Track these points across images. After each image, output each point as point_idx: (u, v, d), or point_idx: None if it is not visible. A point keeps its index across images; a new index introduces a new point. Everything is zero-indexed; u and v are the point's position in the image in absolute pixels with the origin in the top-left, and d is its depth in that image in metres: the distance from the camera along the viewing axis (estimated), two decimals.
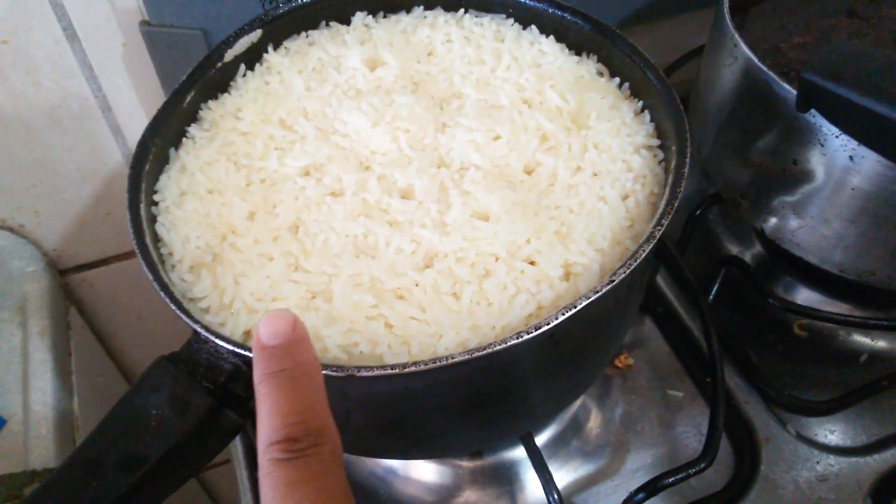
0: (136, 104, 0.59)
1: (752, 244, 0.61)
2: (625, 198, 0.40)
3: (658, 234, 0.36)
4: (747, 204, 0.50)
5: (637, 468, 0.49)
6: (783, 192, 0.47)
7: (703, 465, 0.43)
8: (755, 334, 0.55)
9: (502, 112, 0.44)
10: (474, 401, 0.35)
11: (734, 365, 0.53)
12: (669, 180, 0.39)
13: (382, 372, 0.29)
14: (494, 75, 0.47)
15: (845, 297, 0.55)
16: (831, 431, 0.51)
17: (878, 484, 0.47)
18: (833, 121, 0.40)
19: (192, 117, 0.44)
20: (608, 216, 0.39)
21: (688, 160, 0.39)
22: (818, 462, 0.48)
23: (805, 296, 0.56)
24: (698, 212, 0.57)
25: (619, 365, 0.55)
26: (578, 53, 0.48)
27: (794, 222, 0.47)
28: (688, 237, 0.58)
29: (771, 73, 0.44)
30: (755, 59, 0.45)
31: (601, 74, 0.47)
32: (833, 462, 0.48)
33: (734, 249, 0.60)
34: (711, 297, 0.55)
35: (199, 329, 0.30)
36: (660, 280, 0.58)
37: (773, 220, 0.49)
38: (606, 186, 0.40)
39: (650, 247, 0.35)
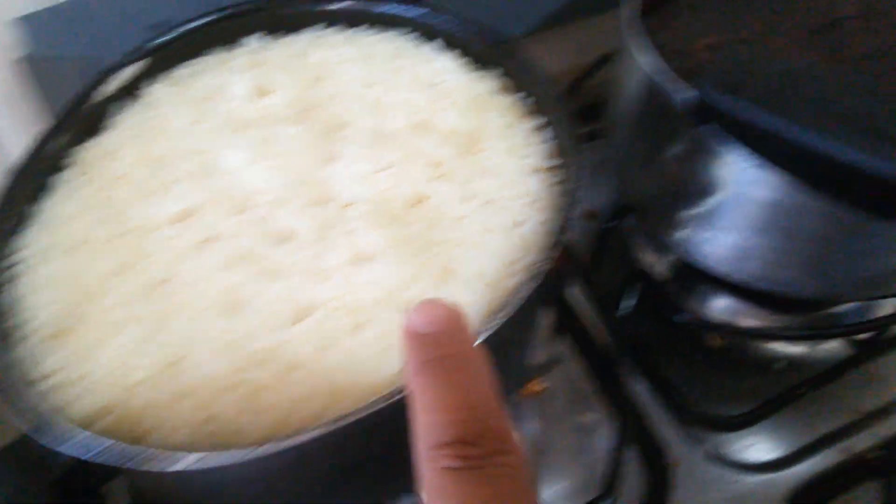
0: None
1: (668, 255, 0.59)
2: (519, 225, 0.38)
3: (545, 269, 0.34)
4: (655, 215, 0.48)
5: None
6: (689, 203, 0.45)
7: (608, 502, 0.41)
8: (671, 348, 0.54)
9: (394, 138, 0.42)
10: (346, 470, 0.33)
11: (648, 382, 0.52)
12: (560, 205, 0.37)
13: (187, 465, 0.26)
14: (389, 97, 0.44)
15: (760, 306, 0.54)
16: (747, 447, 0.49)
17: (794, 498, 0.46)
18: (732, 135, 0.39)
19: (61, 162, 0.42)
20: (501, 246, 0.37)
21: (578, 183, 0.37)
22: (734, 482, 0.47)
23: (720, 305, 0.55)
24: (612, 223, 0.55)
25: (532, 391, 0.53)
26: (484, 67, 0.46)
27: (701, 234, 0.46)
28: (602, 250, 0.56)
29: (666, 84, 0.42)
30: (656, 63, 0.43)
31: (505, 90, 0.45)
32: (748, 480, 0.47)
33: (649, 261, 0.58)
34: (625, 310, 0.53)
35: (24, 427, 0.28)
36: (577, 296, 0.57)
37: (680, 233, 0.47)
38: (499, 214, 0.38)
39: (534, 286, 0.33)
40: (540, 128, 0.43)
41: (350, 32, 0.49)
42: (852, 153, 0.31)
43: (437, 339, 0.22)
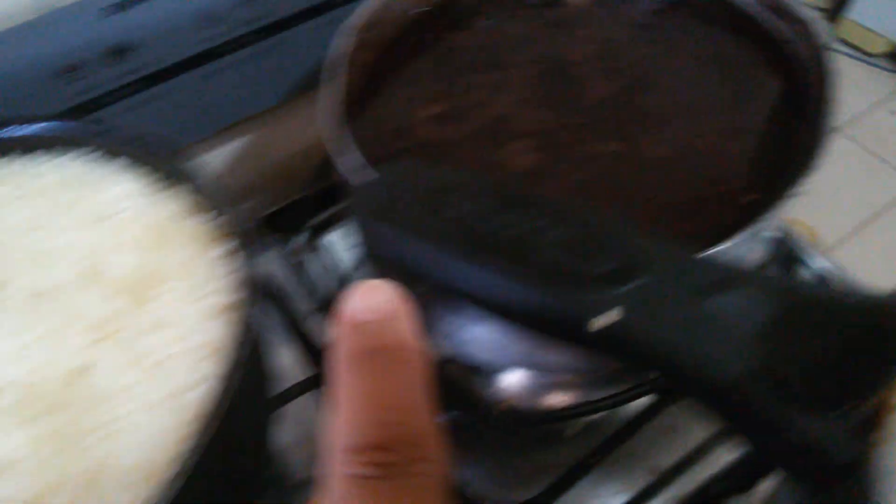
0: None
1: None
2: (193, 389, 0.33)
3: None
4: None
5: None
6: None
7: None
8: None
9: (54, 296, 0.36)
10: None
11: None
12: (234, 360, 0.32)
13: None
14: (55, 242, 0.38)
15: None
16: None
17: None
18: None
19: None
20: (166, 423, 0.32)
21: (252, 328, 0.32)
22: None
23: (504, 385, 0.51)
24: None
25: None
26: (172, 186, 0.41)
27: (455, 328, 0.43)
28: None
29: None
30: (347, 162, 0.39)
31: (194, 211, 0.40)
32: None
33: None
34: None
35: None
36: None
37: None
38: (169, 378, 0.33)
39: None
40: (229, 254, 0.37)
41: (20, 162, 0.42)
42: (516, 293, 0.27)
43: (376, 328, 0.19)
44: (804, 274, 0.58)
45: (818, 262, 0.58)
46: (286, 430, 0.54)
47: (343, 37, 0.45)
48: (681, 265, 0.28)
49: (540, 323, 0.29)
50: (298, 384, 0.51)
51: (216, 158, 0.61)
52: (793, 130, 0.43)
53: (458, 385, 0.52)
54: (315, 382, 0.51)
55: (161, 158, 0.39)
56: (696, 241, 0.40)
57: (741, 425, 0.27)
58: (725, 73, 0.46)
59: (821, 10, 1.99)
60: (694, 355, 0.26)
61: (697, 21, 0.49)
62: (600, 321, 0.27)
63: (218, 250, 0.38)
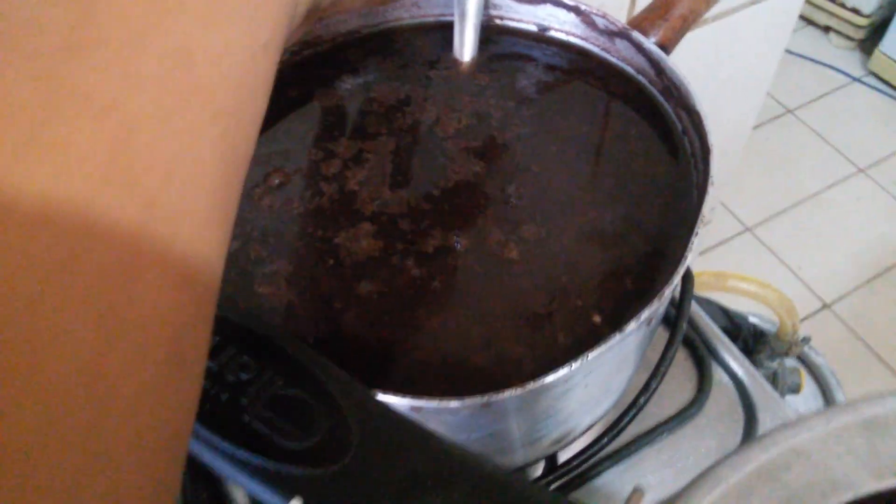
0: None
1: None
2: None
3: None
4: None
5: None
6: None
7: None
8: None
9: None
10: None
11: None
12: None
13: None
14: None
15: None
16: None
17: None
18: None
19: None
20: None
21: None
22: None
23: None
24: None
25: None
26: None
27: None
28: None
29: None
30: None
31: None
32: None
33: None
34: None
35: None
36: None
37: None
38: None
39: None
40: None
41: None
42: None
43: None
44: (717, 375, 0.53)
45: (731, 363, 0.53)
46: None
47: None
48: (394, 448, 0.24)
49: (245, 488, 0.25)
50: None
51: None
52: (661, 240, 0.38)
53: None
54: None
55: None
56: (535, 361, 0.36)
57: None
58: (603, 164, 0.41)
59: (852, 39, 1.89)
60: None
61: (587, 98, 0.45)
62: None
63: None
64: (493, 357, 0.35)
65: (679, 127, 0.42)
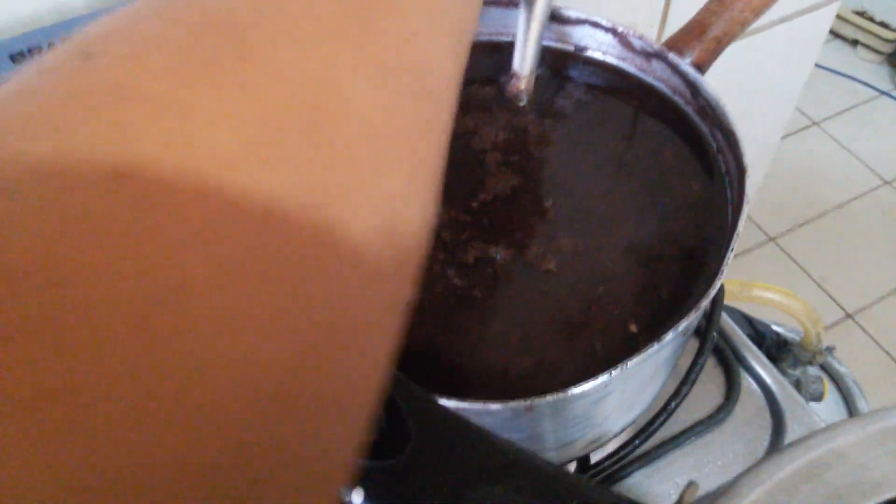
0: None
1: None
2: None
3: None
4: None
5: None
6: None
7: None
8: None
9: None
10: None
11: None
12: None
13: None
14: None
15: None
16: None
17: None
18: None
19: None
20: None
21: None
22: None
23: None
24: None
25: None
26: None
27: None
28: None
29: None
30: None
31: None
32: None
33: None
34: None
35: None
36: None
37: None
38: None
39: None
40: None
41: None
42: None
43: None
44: (744, 378, 0.54)
45: (758, 369, 0.54)
46: None
47: None
48: (451, 443, 0.26)
49: None
50: None
51: None
52: (696, 255, 0.40)
53: None
54: None
55: None
56: (573, 367, 0.38)
57: None
58: (638, 180, 0.43)
59: (880, 53, 1.89)
60: None
61: (622, 116, 0.46)
62: (354, 498, 0.25)
63: None
64: (533, 363, 0.37)
65: (714, 146, 0.43)
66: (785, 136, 1.73)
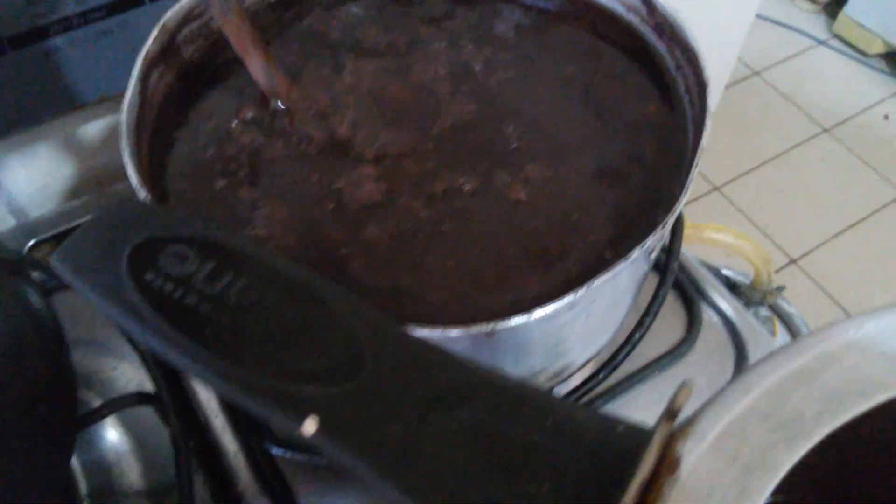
0: None
1: None
2: None
3: None
4: None
5: None
6: None
7: None
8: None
9: None
10: None
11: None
12: None
13: None
14: None
15: None
16: None
17: None
18: None
19: None
20: None
21: None
22: None
23: None
24: None
25: None
26: None
27: None
28: None
29: None
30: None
31: None
32: None
33: None
34: None
35: None
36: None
37: None
38: None
39: None
40: None
41: None
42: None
43: None
44: (706, 313, 0.53)
45: (721, 302, 0.53)
46: (121, 438, 0.51)
47: (154, 33, 0.40)
48: (410, 366, 0.23)
49: (253, 412, 0.24)
50: (127, 397, 0.47)
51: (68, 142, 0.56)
52: (660, 175, 0.38)
53: None
54: (149, 399, 0.47)
55: None
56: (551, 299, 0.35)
57: None
58: (595, 104, 0.41)
59: (817, 3, 1.91)
60: (400, 483, 0.22)
61: (571, 40, 0.44)
62: (306, 427, 0.22)
63: None
64: (510, 298, 0.34)
65: (673, 64, 0.41)
66: (728, 86, 1.74)
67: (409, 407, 0.22)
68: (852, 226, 1.60)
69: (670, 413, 0.18)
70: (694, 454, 0.20)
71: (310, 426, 0.22)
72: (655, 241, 0.33)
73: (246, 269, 0.25)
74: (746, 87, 1.84)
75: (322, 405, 0.22)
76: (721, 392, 0.21)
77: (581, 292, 0.31)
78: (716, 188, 1.65)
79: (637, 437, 0.21)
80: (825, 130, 1.76)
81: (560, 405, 0.22)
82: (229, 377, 0.23)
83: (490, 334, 0.31)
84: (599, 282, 0.31)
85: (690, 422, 0.21)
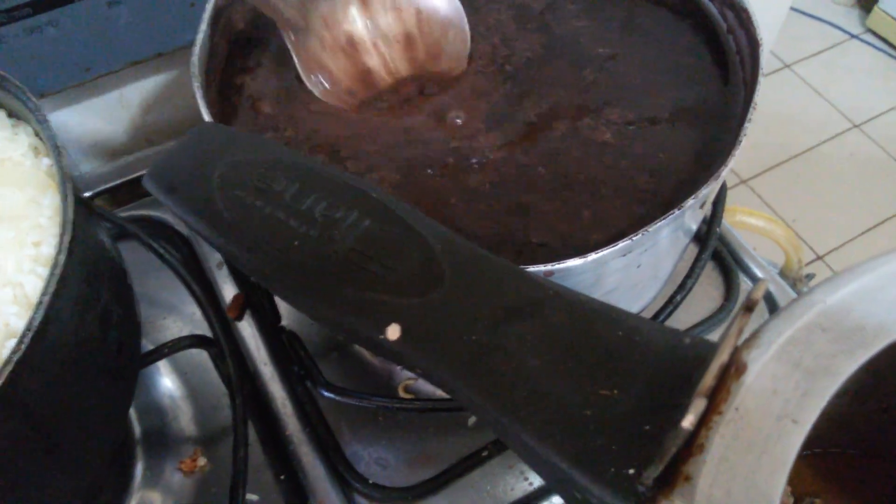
0: None
1: None
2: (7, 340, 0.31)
3: None
4: None
5: None
6: None
7: None
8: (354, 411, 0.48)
9: None
10: None
11: (319, 454, 0.46)
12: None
13: None
14: None
15: None
16: None
17: None
18: None
19: None
20: None
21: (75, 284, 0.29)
22: None
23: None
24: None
25: (187, 469, 0.46)
26: (17, 125, 0.38)
27: None
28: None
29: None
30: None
31: (38, 152, 0.37)
32: None
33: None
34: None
35: None
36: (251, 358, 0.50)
37: None
38: None
39: None
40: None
41: None
42: None
43: None
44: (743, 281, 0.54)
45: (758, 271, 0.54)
46: (174, 383, 0.53)
47: None
48: (486, 281, 0.25)
49: (340, 323, 0.26)
50: (186, 338, 0.48)
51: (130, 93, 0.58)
52: (722, 126, 0.39)
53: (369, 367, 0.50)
54: (207, 342, 0.49)
55: (6, 93, 0.36)
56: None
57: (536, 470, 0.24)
58: (658, 56, 0.42)
59: None
60: (476, 385, 0.23)
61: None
62: (389, 334, 0.24)
63: (51, 197, 0.35)
64: (608, 235, 0.35)
65: (724, 26, 0.42)
66: None
67: (485, 317, 0.24)
68: (881, 223, 1.59)
69: (747, 306, 0.19)
70: (759, 361, 0.21)
71: (393, 332, 0.24)
72: (709, 191, 0.34)
73: (329, 190, 0.26)
74: (777, 79, 1.83)
75: (404, 314, 0.24)
76: (785, 307, 0.22)
77: (636, 238, 0.32)
78: (743, 181, 1.65)
79: (704, 347, 0.22)
80: (855, 126, 1.75)
81: (630, 317, 0.23)
82: (317, 288, 0.24)
83: (549, 274, 0.32)
84: (655, 227, 0.32)
85: (755, 334, 0.22)
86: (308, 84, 0.40)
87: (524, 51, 0.42)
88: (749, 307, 0.19)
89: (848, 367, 0.21)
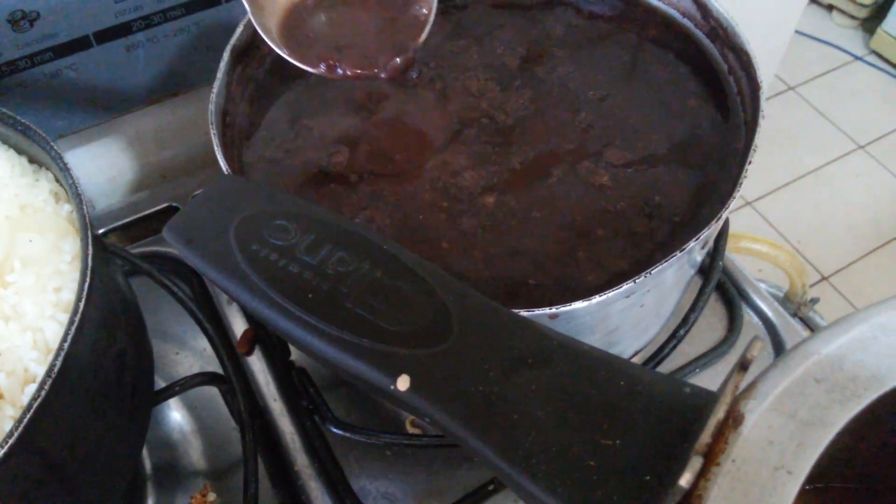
0: None
1: None
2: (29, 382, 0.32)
3: None
4: None
5: None
6: None
7: None
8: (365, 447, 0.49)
9: None
10: None
11: (327, 488, 0.46)
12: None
13: None
14: None
15: None
16: None
17: None
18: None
19: None
20: None
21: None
22: None
23: None
24: None
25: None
26: (38, 171, 0.39)
27: None
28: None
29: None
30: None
31: (58, 197, 0.38)
32: None
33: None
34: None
35: None
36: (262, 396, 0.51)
37: None
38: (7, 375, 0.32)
39: None
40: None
41: None
42: None
43: None
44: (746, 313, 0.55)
45: (761, 304, 0.55)
46: (185, 418, 0.53)
47: (240, 28, 0.43)
48: (493, 332, 0.26)
49: (350, 372, 0.27)
50: (198, 376, 0.49)
51: (143, 131, 0.59)
52: (709, 175, 0.40)
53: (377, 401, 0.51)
54: (218, 379, 0.49)
55: (29, 141, 0.37)
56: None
57: None
58: (656, 97, 0.43)
59: (855, 18, 1.91)
60: (484, 435, 0.24)
61: (627, 42, 0.46)
62: (399, 385, 0.25)
63: (71, 243, 0.36)
64: (605, 277, 0.36)
65: (725, 67, 0.43)
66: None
67: (493, 368, 0.24)
68: (886, 243, 1.59)
69: (742, 364, 0.20)
70: (756, 412, 0.22)
71: (403, 384, 0.24)
72: (710, 233, 0.35)
73: (343, 242, 0.27)
74: (781, 101, 1.85)
75: (413, 365, 0.25)
76: (781, 358, 0.23)
77: (640, 280, 0.33)
78: (748, 203, 1.66)
79: (703, 398, 0.23)
80: (860, 147, 1.76)
81: (632, 368, 0.24)
82: (330, 339, 0.25)
83: (553, 316, 0.33)
84: (658, 270, 0.33)
85: (753, 385, 0.23)
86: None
87: (517, 109, 0.43)
88: (744, 365, 0.20)
89: (842, 418, 0.21)
